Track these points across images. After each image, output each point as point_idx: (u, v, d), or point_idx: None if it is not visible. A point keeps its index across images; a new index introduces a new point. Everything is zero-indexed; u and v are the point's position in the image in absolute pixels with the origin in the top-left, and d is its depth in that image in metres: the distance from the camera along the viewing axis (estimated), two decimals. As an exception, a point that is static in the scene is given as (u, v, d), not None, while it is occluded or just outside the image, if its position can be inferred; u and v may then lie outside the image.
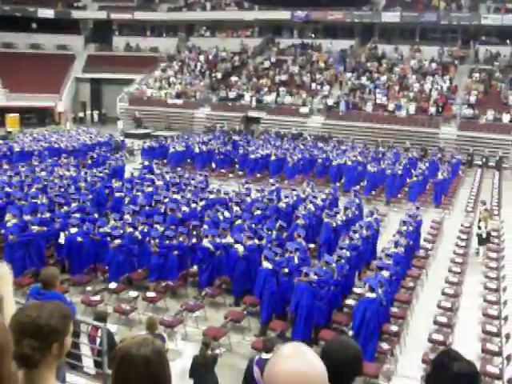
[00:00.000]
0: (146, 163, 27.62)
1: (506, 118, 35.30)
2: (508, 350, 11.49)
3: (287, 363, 1.84)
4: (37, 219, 16.24)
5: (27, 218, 16.22)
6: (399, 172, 26.04)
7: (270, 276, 13.06)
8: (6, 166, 26.37)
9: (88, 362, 9.05)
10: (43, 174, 23.39)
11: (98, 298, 13.73)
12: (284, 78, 43.93)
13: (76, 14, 53.51)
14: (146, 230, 15.97)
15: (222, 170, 29.65)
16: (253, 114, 41.30)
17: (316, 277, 12.38)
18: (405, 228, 16.97)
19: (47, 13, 51.82)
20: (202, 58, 49.05)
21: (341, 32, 48.50)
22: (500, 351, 11.67)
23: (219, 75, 46.08)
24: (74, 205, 18.07)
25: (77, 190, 20.59)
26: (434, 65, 42.16)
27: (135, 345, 2.34)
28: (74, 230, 15.63)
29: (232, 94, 42.96)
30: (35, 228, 15.68)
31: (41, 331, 2.54)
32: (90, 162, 28.16)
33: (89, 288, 14.56)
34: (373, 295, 11.63)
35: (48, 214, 16.96)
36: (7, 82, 46.05)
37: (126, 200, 19.75)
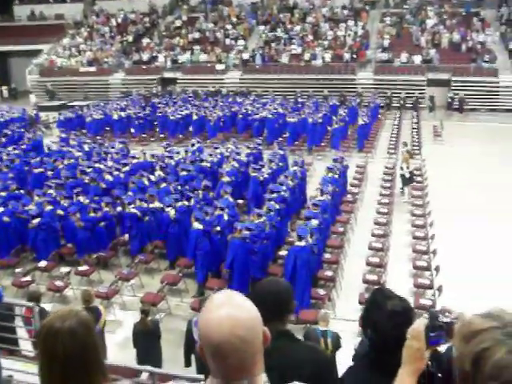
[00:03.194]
0: (63, 135, 26.82)
1: (418, 58, 36.00)
2: (438, 282, 11.92)
3: (220, 310, 1.78)
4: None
5: None
6: (319, 120, 26.22)
7: (201, 236, 13.01)
8: None
9: (26, 345, 8.81)
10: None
11: (28, 278, 13.34)
12: (197, 35, 43.17)
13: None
14: (66, 205, 15.54)
15: (143, 135, 29.12)
16: (168, 74, 40.54)
17: (248, 232, 12.43)
18: (330, 175, 17.18)
19: None
20: (112, 21, 47.48)
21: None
22: (431, 284, 12.09)
23: (130, 38, 44.79)
24: (-6, 185, 17.37)
25: (-5, 169, 19.87)
26: (345, 11, 42.35)
27: (59, 318, 2.22)
28: (-1, 210, 15.10)
29: (145, 57, 41.94)
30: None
31: None
32: (3, 139, 26.98)
33: (18, 269, 14.10)
34: (302, 243, 11.80)
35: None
36: None
37: (49, 174, 19.14)
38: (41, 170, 19.88)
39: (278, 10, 44.22)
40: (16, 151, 22.70)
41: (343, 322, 10.78)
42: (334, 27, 40.79)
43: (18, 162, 20.74)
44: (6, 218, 14.95)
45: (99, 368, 2.27)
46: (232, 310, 1.77)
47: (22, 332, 8.82)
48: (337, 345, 8.09)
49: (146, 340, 9.35)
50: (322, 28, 40.98)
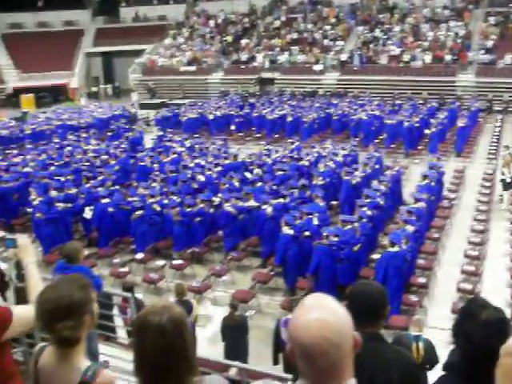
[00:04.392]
0: (161, 133, 27.71)
1: (524, 60, 34.47)
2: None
3: (310, 314, 1.82)
4: (61, 196, 16.39)
5: (53, 194, 16.39)
6: (416, 124, 25.66)
7: (291, 242, 12.97)
8: (29, 146, 26.39)
9: (121, 333, 9.20)
10: (68, 149, 23.51)
11: (125, 269, 13.86)
12: (295, 36, 43.29)
13: (80, -12, 52.87)
14: (165, 201, 16.02)
15: (240, 134, 29.58)
16: (266, 75, 40.82)
17: (336, 238, 12.35)
18: (425, 182, 16.79)
19: (52, -11, 51.22)
20: (211, 22, 48.49)
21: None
22: (530, 296, 11.62)
23: (230, 39, 45.52)
24: (100, 178, 18.18)
25: (102, 162, 20.90)
26: (447, 11, 41.22)
27: (152, 313, 2.30)
28: (104, 201, 15.78)
29: (244, 57, 42.49)
30: (60, 205, 15.81)
31: (69, 310, 2.61)
32: (109, 134, 28.27)
33: (116, 260, 14.70)
34: (394, 249, 11.59)
35: (74, 190, 17.11)
36: (19, 63, 45.88)
37: (155, 167, 19.95)
38: (146, 163, 20.71)
39: (378, 11, 43.62)
40: (124, 145, 23.77)
41: (434, 330, 10.52)
42: (434, 28, 39.74)
43: (123, 156, 21.68)
44: (110, 209, 15.66)
45: (187, 365, 2.33)
46: (322, 313, 1.82)
47: (117, 320, 9.21)
48: (429, 351, 7.87)
49: (234, 333, 9.55)
50: (422, 28, 40.03)
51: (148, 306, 2.39)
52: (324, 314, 1.82)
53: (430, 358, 7.62)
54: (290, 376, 5.19)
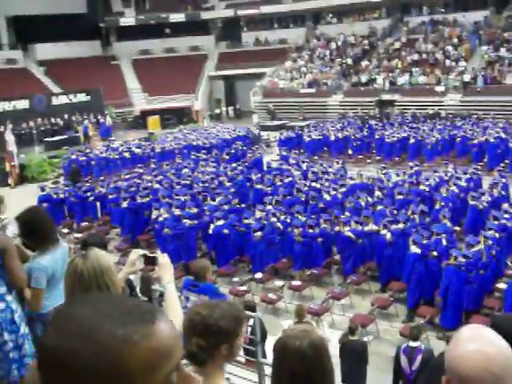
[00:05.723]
0: (284, 153, 28.06)
1: None
2: None
3: (469, 345, 1.76)
4: (187, 213, 17.06)
5: (177, 212, 17.07)
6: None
7: (418, 261, 12.88)
8: (152, 166, 27.71)
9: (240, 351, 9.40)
10: (186, 170, 24.31)
11: (245, 288, 14.15)
12: (416, 57, 42.62)
13: (205, 15, 55.02)
14: (288, 220, 16.23)
15: (359, 156, 29.46)
16: (386, 96, 40.37)
17: (464, 260, 12.06)
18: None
19: (178, 17, 53.88)
20: (331, 45, 48.72)
21: (473, 3, 46.01)
22: None
23: (349, 61, 45.55)
24: (219, 198, 18.67)
25: (219, 184, 21.35)
26: None
27: (293, 337, 2.35)
28: (220, 223, 16.25)
29: (364, 79, 42.35)
30: (187, 222, 16.49)
31: (209, 331, 2.55)
32: (227, 156, 28.86)
33: (236, 279, 15.04)
34: (526, 275, 11.14)
35: (195, 210, 17.69)
36: (147, 87, 48.35)
37: (268, 190, 20.19)
38: (261, 186, 21.04)
39: (503, 29, 42.04)
40: (240, 167, 24.27)
41: None
42: None
43: (240, 178, 22.18)
44: (225, 231, 16.07)
45: None
46: (483, 345, 1.77)
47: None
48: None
49: (353, 358, 9.48)
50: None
51: (288, 330, 2.48)
52: (485, 345, 1.76)
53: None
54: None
